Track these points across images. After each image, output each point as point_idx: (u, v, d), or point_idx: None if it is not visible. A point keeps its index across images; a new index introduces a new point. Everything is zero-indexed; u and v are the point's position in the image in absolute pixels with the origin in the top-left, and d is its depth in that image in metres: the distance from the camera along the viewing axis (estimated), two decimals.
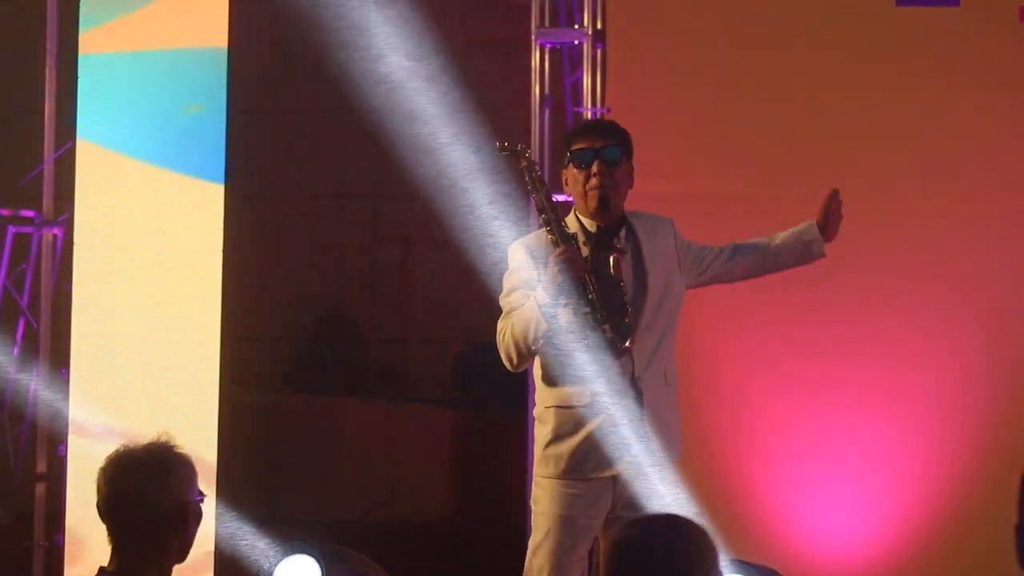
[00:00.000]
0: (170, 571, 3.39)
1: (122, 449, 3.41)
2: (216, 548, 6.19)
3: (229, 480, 6.29)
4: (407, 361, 8.32)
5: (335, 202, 8.49)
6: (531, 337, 4.80)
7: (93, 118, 6.37)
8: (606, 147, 4.92)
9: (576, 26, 6.73)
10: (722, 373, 6.32)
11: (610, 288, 4.81)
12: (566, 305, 4.77)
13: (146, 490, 3.35)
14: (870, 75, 6.39)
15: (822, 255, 5.18)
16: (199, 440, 6.20)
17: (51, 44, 6.65)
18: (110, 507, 3.37)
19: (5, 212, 7.12)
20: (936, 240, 6.36)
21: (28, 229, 6.97)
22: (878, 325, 6.33)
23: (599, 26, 6.66)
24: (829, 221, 5.18)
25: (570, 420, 4.90)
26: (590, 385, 4.85)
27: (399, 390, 8.22)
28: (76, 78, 6.30)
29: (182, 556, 3.41)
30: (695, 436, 6.01)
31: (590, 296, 4.78)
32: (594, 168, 4.88)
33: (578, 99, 6.77)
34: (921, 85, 6.39)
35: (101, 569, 3.38)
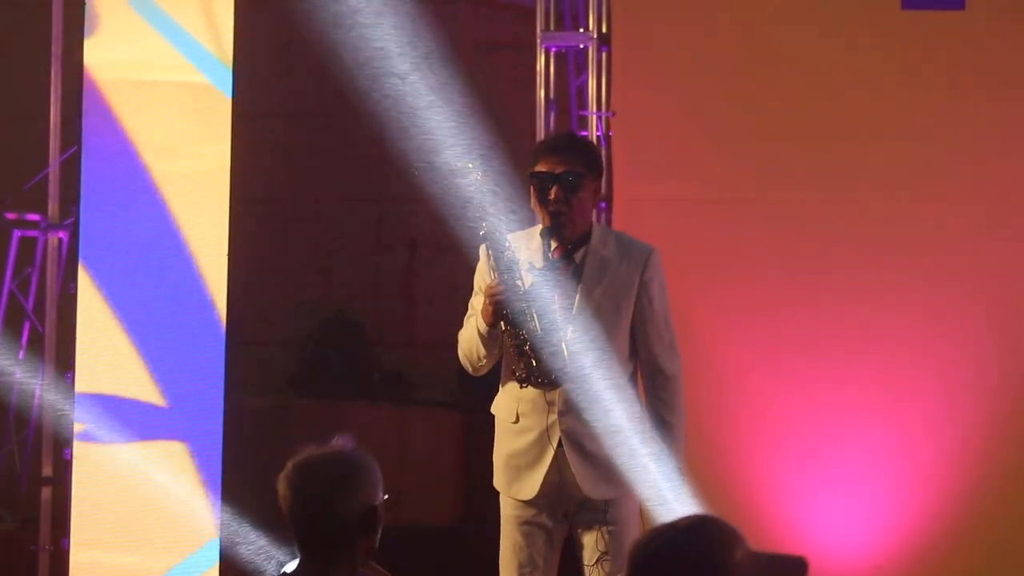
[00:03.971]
0: (356, 572, 3.33)
1: (305, 455, 3.34)
2: (222, 552, 6.19)
3: (235, 484, 6.29)
4: (413, 365, 8.32)
5: (340, 206, 8.49)
6: (472, 357, 4.85)
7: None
8: (566, 173, 4.75)
9: (581, 30, 6.74)
10: (727, 374, 6.32)
11: (548, 324, 4.73)
12: (504, 332, 4.75)
13: (334, 497, 3.29)
14: (876, 78, 6.39)
15: None
16: (204, 443, 6.20)
17: (56, 48, 6.66)
18: (297, 514, 3.31)
19: (11, 216, 7.13)
20: (944, 241, 6.35)
21: (34, 233, 6.97)
22: (884, 325, 6.32)
23: (604, 30, 6.66)
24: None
25: (503, 432, 4.92)
26: (518, 405, 4.85)
27: (405, 393, 8.22)
28: (81, 82, 6.30)
29: (369, 556, 3.36)
30: (699, 437, 6.00)
31: (521, 333, 4.71)
32: (551, 194, 4.75)
33: (583, 103, 6.76)
34: (927, 88, 6.39)
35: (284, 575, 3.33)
